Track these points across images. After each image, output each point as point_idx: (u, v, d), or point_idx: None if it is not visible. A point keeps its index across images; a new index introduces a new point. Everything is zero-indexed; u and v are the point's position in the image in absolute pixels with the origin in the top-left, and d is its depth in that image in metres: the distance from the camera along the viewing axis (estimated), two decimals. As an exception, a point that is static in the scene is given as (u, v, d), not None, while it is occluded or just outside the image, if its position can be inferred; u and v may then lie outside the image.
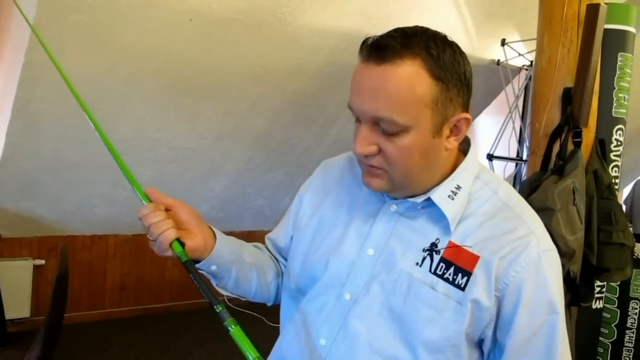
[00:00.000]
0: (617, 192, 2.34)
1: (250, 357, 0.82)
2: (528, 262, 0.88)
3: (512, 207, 0.94)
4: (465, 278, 0.89)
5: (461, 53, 0.89)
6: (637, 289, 3.70)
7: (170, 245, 0.96)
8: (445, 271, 0.91)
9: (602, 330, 3.70)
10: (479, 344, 0.94)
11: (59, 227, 4.05)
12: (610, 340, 3.75)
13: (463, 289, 0.89)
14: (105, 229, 4.28)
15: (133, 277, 4.48)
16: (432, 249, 0.92)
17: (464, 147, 1.00)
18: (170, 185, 4.00)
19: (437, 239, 0.93)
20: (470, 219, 0.93)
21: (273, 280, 1.18)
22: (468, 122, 0.92)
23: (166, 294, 4.65)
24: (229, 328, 0.87)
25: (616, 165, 2.48)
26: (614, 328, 3.75)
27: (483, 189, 0.96)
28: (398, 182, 0.92)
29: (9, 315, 3.73)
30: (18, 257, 3.97)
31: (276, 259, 1.22)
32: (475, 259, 0.89)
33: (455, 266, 0.90)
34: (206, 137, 3.80)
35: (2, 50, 3.46)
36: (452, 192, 0.93)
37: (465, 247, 0.90)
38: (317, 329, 0.99)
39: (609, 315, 3.73)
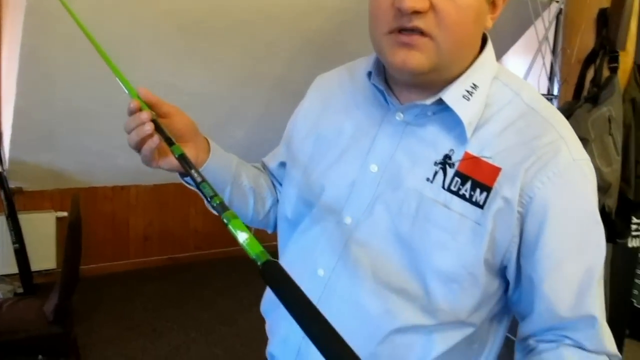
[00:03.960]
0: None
1: (253, 254, 0.66)
2: (556, 172, 0.75)
3: (538, 110, 0.79)
4: (485, 194, 0.76)
5: None
6: (675, 228, 3.54)
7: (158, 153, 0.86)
8: (460, 187, 0.78)
9: (637, 271, 3.57)
10: (501, 272, 0.82)
11: (80, 179, 4.02)
12: (646, 282, 3.62)
13: (482, 207, 0.76)
14: (126, 180, 4.24)
15: (156, 227, 4.46)
16: (445, 161, 0.79)
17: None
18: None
19: (450, 150, 0.79)
20: (488, 126, 0.79)
21: (272, 206, 1.08)
22: None
23: (190, 243, 4.63)
24: (224, 221, 0.71)
25: (656, 94, 2.30)
26: (651, 269, 3.61)
27: (503, 91, 0.81)
28: (445, 55, 0.75)
29: (35, 267, 3.77)
30: (40, 209, 3.96)
31: (273, 184, 1.11)
32: (495, 171, 0.76)
33: (472, 180, 0.77)
34: (223, 82, 3.67)
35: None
36: (468, 91, 0.79)
37: (484, 159, 0.77)
38: (315, 259, 0.88)
39: (646, 257, 3.59)
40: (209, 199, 0.75)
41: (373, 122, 0.87)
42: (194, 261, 4.61)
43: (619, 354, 0.81)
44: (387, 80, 0.87)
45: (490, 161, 0.77)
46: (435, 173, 0.79)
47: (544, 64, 4.44)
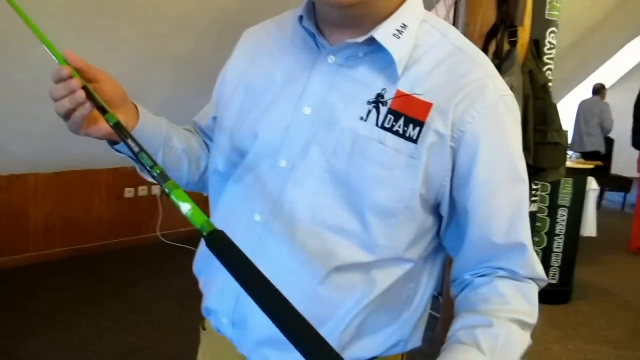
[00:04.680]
0: (551, 94, 2.34)
1: (197, 225, 0.67)
2: (485, 107, 0.79)
3: (465, 50, 0.83)
4: (418, 129, 0.79)
5: None
6: (565, 198, 3.83)
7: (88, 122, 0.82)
8: (394, 124, 0.80)
9: (534, 238, 3.84)
10: (435, 210, 0.86)
11: (-30, 169, 3.76)
12: (540, 248, 3.90)
13: (415, 141, 0.79)
14: (23, 168, 4.00)
15: (58, 217, 4.24)
16: (379, 100, 0.81)
17: None
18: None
19: (383, 89, 0.82)
20: (419, 65, 0.82)
21: (207, 167, 1.07)
22: None
23: (96, 233, 4.45)
24: (166, 191, 0.71)
25: (549, 69, 2.48)
26: (545, 236, 3.89)
27: (431, 32, 0.85)
28: None
29: None
30: None
31: (206, 144, 1.10)
32: (427, 107, 0.79)
33: (405, 117, 0.80)
34: (127, 62, 3.55)
35: None
36: (398, 30, 0.81)
37: (416, 96, 0.80)
38: (251, 205, 0.88)
39: (540, 224, 3.86)
40: (148, 169, 0.74)
41: (304, 66, 0.88)
42: (101, 251, 4.44)
43: (546, 278, 0.88)
44: (317, 24, 0.88)
45: (422, 98, 0.80)
46: (369, 112, 0.81)
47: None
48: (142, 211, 4.67)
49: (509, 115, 0.82)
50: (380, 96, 0.82)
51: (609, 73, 8.85)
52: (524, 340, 0.79)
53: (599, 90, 7.31)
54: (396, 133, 0.80)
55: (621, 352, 3.48)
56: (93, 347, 3.03)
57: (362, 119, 0.82)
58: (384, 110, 0.81)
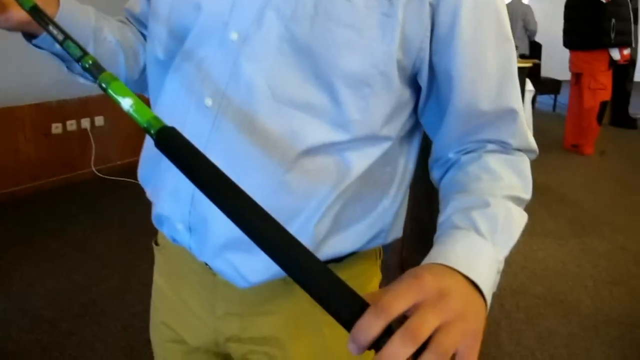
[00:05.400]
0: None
1: (143, 122, 0.57)
2: None
3: None
4: None
5: None
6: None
7: None
8: None
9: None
10: (413, 79, 0.76)
11: None
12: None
13: None
14: None
15: (-20, 160, 3.95)
16: None
17: None
18: (18, 42, 3.45)
19: None
20: None
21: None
22: None
23: (25, 174, 4.18)
24: (103, 85, 0.61)
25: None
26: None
27: None
28: None
29: None
30: None
31: (142, 35, 0.96)
32: None
33: None
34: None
35: None
36: None
37: None
38: (199, 88, 0.76)
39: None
40: (77, 60, 0.64)
41: None
42: (33, 193, 4.19)
43: (537, 149, 0.81)
44: None
45: None
46: None
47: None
48: (73, 146, 4.42)
49: None
50: None
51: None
52: (521, 217, 0.72)
53: (520, -10, 7.35)
54: None
55: (562, 241, 3.65)
56: (36, 290, 2.89)
57: None
58: None
